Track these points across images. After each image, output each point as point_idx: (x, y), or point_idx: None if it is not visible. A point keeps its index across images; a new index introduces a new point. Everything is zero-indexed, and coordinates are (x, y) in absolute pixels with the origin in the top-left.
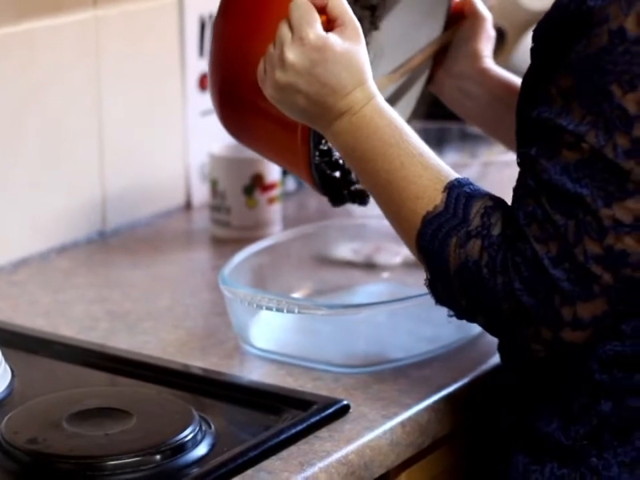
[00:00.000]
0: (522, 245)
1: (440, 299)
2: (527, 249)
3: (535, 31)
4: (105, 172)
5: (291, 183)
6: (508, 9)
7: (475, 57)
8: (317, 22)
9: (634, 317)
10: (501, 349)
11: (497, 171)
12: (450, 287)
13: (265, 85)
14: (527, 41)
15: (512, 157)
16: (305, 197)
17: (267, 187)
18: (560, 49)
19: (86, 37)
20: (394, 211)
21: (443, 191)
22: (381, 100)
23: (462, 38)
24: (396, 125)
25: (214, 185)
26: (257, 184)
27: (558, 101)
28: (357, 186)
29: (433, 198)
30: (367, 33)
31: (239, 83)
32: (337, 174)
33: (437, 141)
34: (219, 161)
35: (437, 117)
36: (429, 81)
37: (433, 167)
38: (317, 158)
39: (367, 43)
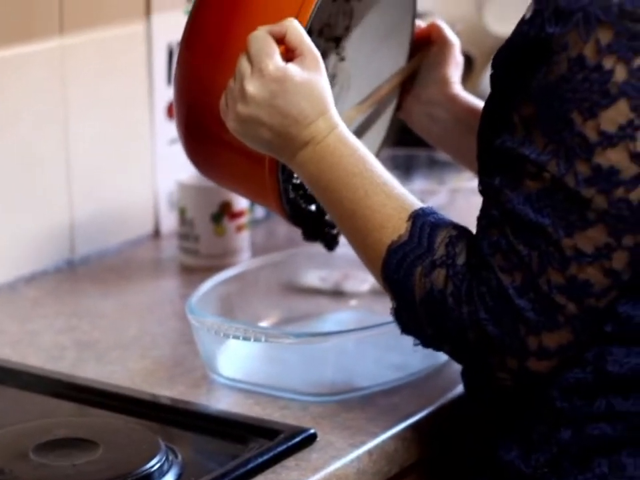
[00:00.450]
0: (487, 274)
1: (406, 328)
2: (492, 279)
3: (494, 58)
4: (73, 201)
5: (259, 211)
6: (475, 35)
7: (444, 83)
8: (276, 53)
9: (596, 344)
10: (464, 376)
11: (464, 197)
12: (416, 315)
13: (227, 118)
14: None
15: None
16: (274, 225)
17: (235, 215)
18: (520, 76)
19: (53, 65)
20: (359, 240)
21: (408, 220)
22: (343, 129)
23: (430, 64)
24: (359, 154)
25: (182, 213)
26: (225, 212)
27: (520, 130)
28: (332, 230)
29: (398, 227)
30: (333, 65)
31: (203, 115)
32: (313, 207)
33: (405, 168)
34: (187, 189)
35: (405, 143)
36: (398, 107)
37: (397, 196)
38: (291, 192)
39: (334, 75)
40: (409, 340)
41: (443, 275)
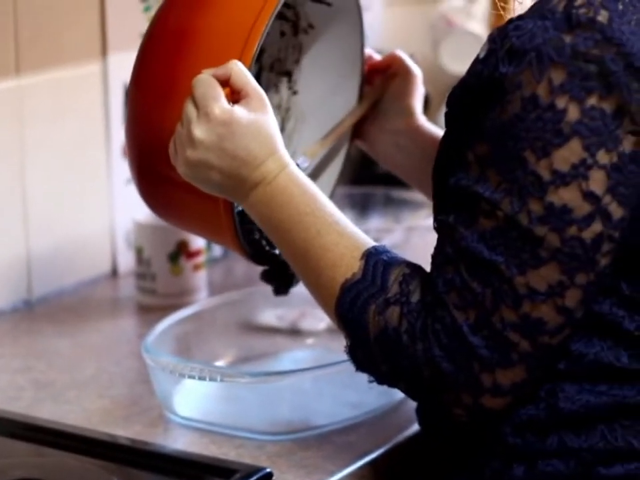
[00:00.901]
0: (441, 312)
1: (360, 366)
2: (446, 316)
3: (449, 97)
4: (29, 240)
5: (216, 249)
6: (431, 73)
7: (409, 114)
8: (221, 96)
9: (549, 381)
10: (419, 413)
11: (420, 236)
12: (370, 353)
13: (177, 163)
14: None
15: None
16: (231, 263)
17: (192, 254)
18: (474, 115)
19: (10, 104)
20: (312, 279)
21: (361, 259)
22: (294, 168)
23: (394, 95)
24: (310, 192)
25: (139, 252)
26: (182, 251)
27: (475, 168)
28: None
29: (351, 266)
30: (287, 99)
31: (154, 156)
32: (277, 250)
33: (362, 206)
34: (143, 228)
35: (361, 182)
36: (359, 137)
37: (350, 235)
38: (256, 234)
39: (288, 109)
40: (365, 378)
41: (397, 312)
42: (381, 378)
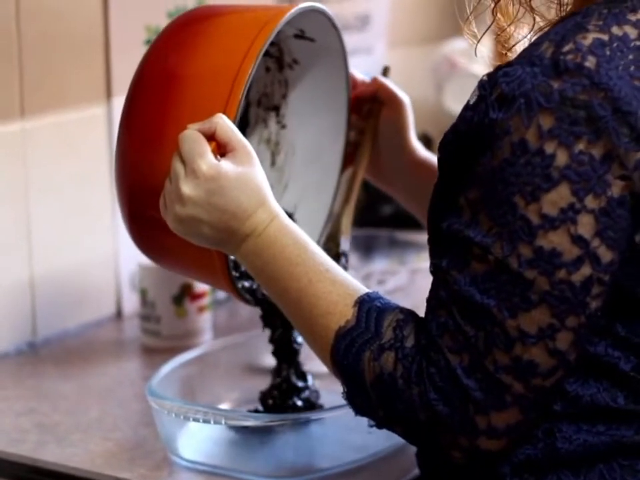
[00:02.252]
0: (435, 355)
1: (359, 411)
2: (441, 359)
3: (441, 142)
4: (34, 283)
5: (221, 292)
6: (435, 115)
7: (408, 150)
8: (207, 152)
9: (546, 421)
10: (418, 457)
11: (425, 277)
12: (367, 399)
13: (167, 219)
14: None
15: None
16: (236, 305)
17: (196, 296)
18: (465, 160)
19: (14, 147)
20: (306, 328)
21: (354, 306)
22: (284, 218)
23: (387, 134)
24: (301, 242)
25: (143, 294)
26: (186, 293)
27: (466, 213)
28: None
29: (344, 313)
30: (275, 133)
31: (143, 202)
32: None
33: (366, 248)
34: (147, 270)
35: (365, 224)
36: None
37: (342, 282)
38: (250, 281)
39: (277, 143)
40: (369, 421)
41: (392, 357)
42: (379, 422)
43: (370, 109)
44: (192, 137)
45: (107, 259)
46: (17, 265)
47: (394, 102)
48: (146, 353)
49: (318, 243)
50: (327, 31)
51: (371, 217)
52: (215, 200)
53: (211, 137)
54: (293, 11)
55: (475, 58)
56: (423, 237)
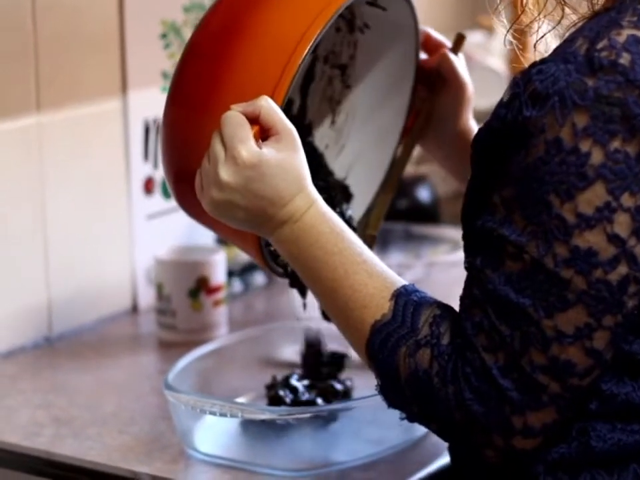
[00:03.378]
0: (471, 354)
1: (392, 404)
2: (476, 359)
3: (473, 139)
4: (50, 277)
5: (237, 285)
6: None
7: (462, 136)
8: (249, 137)
9: (581, 420)
10: (451, 451)
11: (441, 271)
12: (401, 394)
13: (202, 200)
14: None
15: (456, 257)
16: (251, 299)
17: (212, 290)
18: (499, 157)
19: (30, 141)
20: (342, 319)
21: (390, 299)
22: (322, 205)
23: (443, 112)
24: (338, 231)
25: (159, 288)
26: (202, 287)
27: (501, 211)
28: None
29: (381, 306)
30: (339, 92)
31: (188, 171)
32: None
33: (382, 242)
34: (163, 264)
35: None
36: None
37: (379, 274)
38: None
39: (339, 102)
40: (386, 414)
41: (428, 355)
42: (413, 417)
43: (431, 84)
44: (235, 119)
45: (123, 253)
46: (34, 260)
47: (453, 82)
48: (162, 347)
49: (370, 208)
50: (398, 2)
51: (388, 211)
52: (253, 186)
53: (254, 119)
54: None
55: (491, 51)
56: (438, 231)
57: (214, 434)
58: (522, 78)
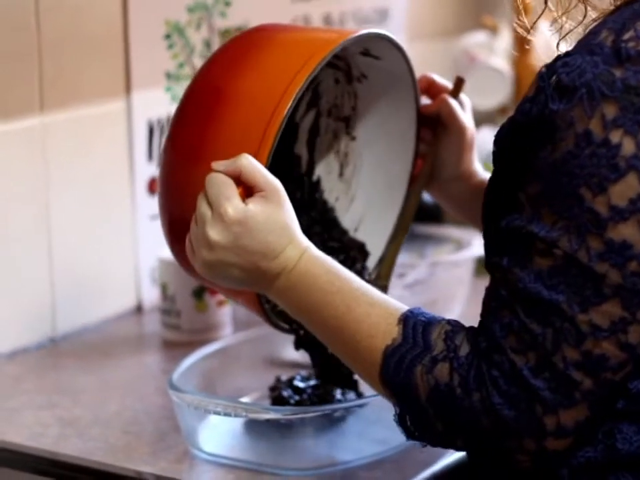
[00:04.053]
0: (499, 357)
1: (411, 433)
2: (505, 362)
3: (496, 136)
4: (54, 277)
5: None
6: None
7: (467, 177)
8: (235, 195)
9: (607, 421)
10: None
11: (444, 270)
12: (424, 414)
13: (195, 263)
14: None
15: (459, 256)
16: None
17: (216, 290)
18: (524, 154)
19: (34, 142)
20: (351, 354)
21: (398, 324)
22: (313, 250)
23: (445, 156)
24: (333, 271)
25: (164, 288)
26: (206, 287)
27: (527, 208)
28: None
29: (389, 332)
30: (345, 144)
31: (183, 219)
32: None
33: None
34: (168, 264)
35: None
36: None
37: (380, 303)
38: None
39: (347, 154)
40: (391, 414)
41: (447, 368)
42: (437, 438)
43: (433, 128)
44: (219, 179)
45: (127, 253)
46: (37, 260)
47: (453, 127)
48: (166, 347)
49: (382, 258)
50: (390, 51)
51: None
52: (243, 243)
53: (237, 178)
54: (341, 43)
55: (494, 51)
56: (442, 230)
57: (218, 434)
58: (547, 71)
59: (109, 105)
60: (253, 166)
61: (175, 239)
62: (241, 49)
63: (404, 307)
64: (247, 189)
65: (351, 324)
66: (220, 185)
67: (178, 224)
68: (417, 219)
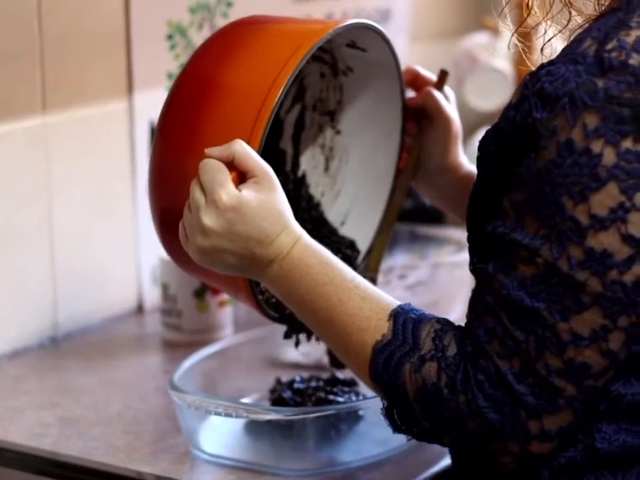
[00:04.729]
0: (484, 362)
1: (398, 427)
2: (490, 366)
3: (481, 141)
4: (56, 277)
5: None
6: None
7: (453, 169)
8: (228, 181)
9: (588, 422)
10: (452, 452)
11: (445, 271)
12: (411, 411)
13: (189, 250)
14: (475, 143)
15: (460, 258)
16: None
17: (217, 291)
18: (507, 160)
19: (36, 142)
20: (342, 346)
21: (388, 319)
22: (307, 239)
23: (434, 154)
24: (326, 261)
25: (165, 288)
26: (207, 287)
27: (511, 215)
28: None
29: (379, 327)
30: (330, 138)
31: (174, 211)
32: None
33: None
34: (169, 264)
35: None
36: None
37: (372, 297)
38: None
39: (332, 148)
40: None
41: (435, 368)
42: (423, 434)
43: (418, 121)
44: (212, 165)
45: (128, 253)
46: (39, 260)
47: (439, 119)
48: (167, 348)
49: (369, 251)
50: (377, 42)
51: None
52: (237, 229)
53: (230, 164)
54: (329, 32)
55: (496, 53)
56: (443, 232)
57: (219, 434)
58: (530, 80)
59: (111, 105)
60: (246, 152)
61: (165, 228)
62: (230, 40)
63: (395, 302)
64: (240, 175)
65: (342, 316)
66: (213, 170)
67: (168, 214)
68: (418, 220)
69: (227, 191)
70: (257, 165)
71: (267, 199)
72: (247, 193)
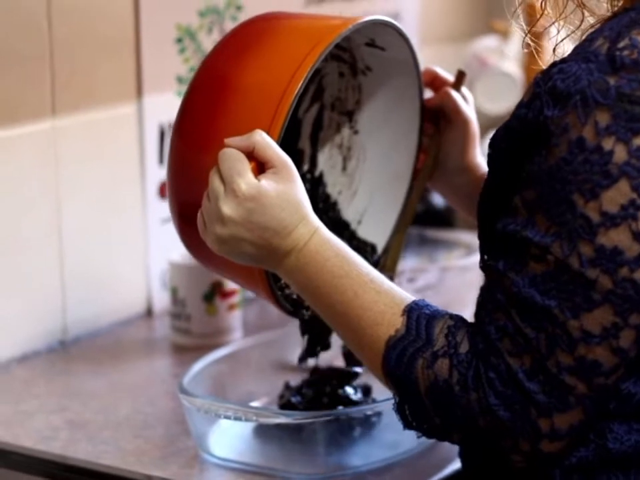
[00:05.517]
0: (495, 359)
1: (409, 423)
2: (501, 364)
3: (492, 139)
4: (65, 281)
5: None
6: None
7: (470, 170)
8: (247, 171)
9: (599, 421)
10: (462, 455)
11: (455, 275)
12: (422, 407)
13: (207, 239)
14: (485, 145)
15: (470, 261)
16: (266, 303)
17: (226, 294)
18: (519, 158)
19: (45, 146)
20: (355, 340)
21: (402, 315)
22: (324, 231)
23: (452, 154)
24: (343, 254)
25: (174, 292)
26: (216, 291)
27: (522, 213)
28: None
29: (393, 322)
30: (348, 138)
31: (191, 205)
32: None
33: None
34: (178, 268)
35: None
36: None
37: (387, 292)
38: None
39: (350, 148)
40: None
41: (447, 364)
42: (433, 431)
43: (435, 121)
44: (232, 155)
45: (138, 257)
46: (48, 263)
47: (456, 119)
48: (176, 351)
49: (384, 251)
50: (396, 41)
51: None
52: (256, 218)
53: (249, 154)
54: (348, 28)
55: (505, 55)
56: (453, 235)
57: (228, 438)
58: (543, 77)
59: (121, 108)
60: (266, 142)
61: (183, 220)
62: (247, 37)
63: (410, 298)
64: (260, 165)
65: (357, 310)
66: (233, 160)
67: (186, 206)
68: (428, 224)
69: (246, 180)
70: (276, 155)
71: (286, 189)
72: (266, 183)
